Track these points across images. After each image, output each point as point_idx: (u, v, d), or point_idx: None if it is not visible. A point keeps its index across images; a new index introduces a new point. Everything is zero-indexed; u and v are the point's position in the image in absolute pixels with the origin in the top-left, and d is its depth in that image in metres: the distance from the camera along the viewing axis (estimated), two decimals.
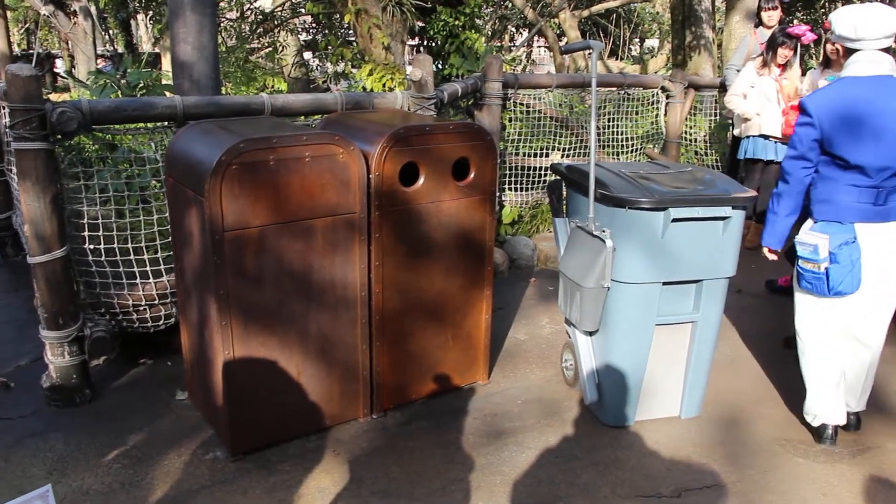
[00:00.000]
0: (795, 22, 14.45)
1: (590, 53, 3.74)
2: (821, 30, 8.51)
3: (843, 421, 3.64)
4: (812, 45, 14.32)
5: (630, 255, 3.44)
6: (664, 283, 3.50)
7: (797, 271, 3.54)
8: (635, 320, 3.55)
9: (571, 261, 3.70)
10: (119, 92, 5.31)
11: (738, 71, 6.68)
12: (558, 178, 4.12)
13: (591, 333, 3.77)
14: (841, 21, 3.33)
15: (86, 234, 3.89)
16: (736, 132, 6.72)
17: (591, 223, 3.56)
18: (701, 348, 3.71)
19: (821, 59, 6.11)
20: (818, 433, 3.69)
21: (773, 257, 3.74)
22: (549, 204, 4.40)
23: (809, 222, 3.51)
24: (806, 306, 3.60)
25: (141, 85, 5.48)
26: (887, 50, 3.32)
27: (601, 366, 3.71)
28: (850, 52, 3.35)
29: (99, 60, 16.89)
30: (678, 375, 3.78)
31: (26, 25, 22.90)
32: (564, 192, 4.10)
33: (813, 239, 3.40)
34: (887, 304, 3.51)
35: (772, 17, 6.81)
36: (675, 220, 3.35)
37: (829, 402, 3.62)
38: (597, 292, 3.53)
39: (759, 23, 7.04)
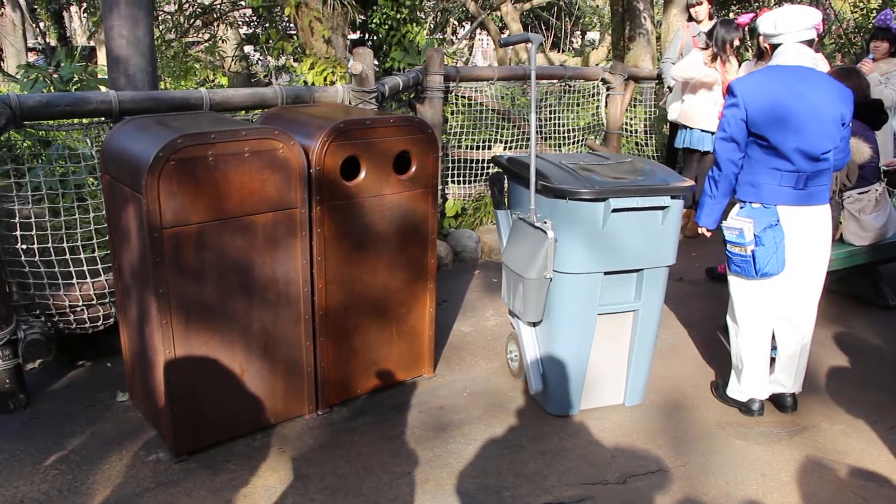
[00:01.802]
0: (731, 14, 14.74)
1: (530, 46, 3.76)
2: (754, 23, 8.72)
3: (766, 395, 3.85)
4: (747, 37, 14.65)
5: (571, 246, 3.47)
6: (606, 273, 3.55)
7: (727, 256, 3.70)
8: (578, 310, 3.59)
9: (514, 252, 3.72)
10: (51, 87, 5.16)
11: (674, 63, 6.78)
12: (500, 170, 4.14)
13: (534, 324, 3.80)
14: (763, 21, 3.63)
15: (18, 233, 3.78)
16: (671, 117, 6.81)
17: (533, 215, 3.58)
18: (643, 336, 3.77)
19: (754, 51, 6.24)
20: (747, 407, 3.86)
21: (709, 235, 3.92)
22: (491, 196, 4.43)
23: (736, 208, 3.66)
24: (738, 289, 3.77)
25: (75, 79, 5.34)
26: (810, 43, 3.57)
27: (545, 356, 3.75)
28: (775, 46, 3.63)
29: (30, 54, 16.40)
30: (621, 363, 3.84)
31: None
32: (506, 185, 4.12)
33: (738, 224, 3.57)
34: (814, 286, 3.69)
35: (699, 12, 6.94)
36: (615, 211, 3.40)
37: (758, 379, 3.80)
38: (539, 283, 3.56)
39: (690, 17, 7.17)
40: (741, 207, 3.63)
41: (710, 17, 6.95)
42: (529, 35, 3.75)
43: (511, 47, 15.89)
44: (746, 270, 3.60)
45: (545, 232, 3.47)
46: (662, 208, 3.52)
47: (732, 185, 3.67)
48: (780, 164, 3.49)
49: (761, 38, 3.72)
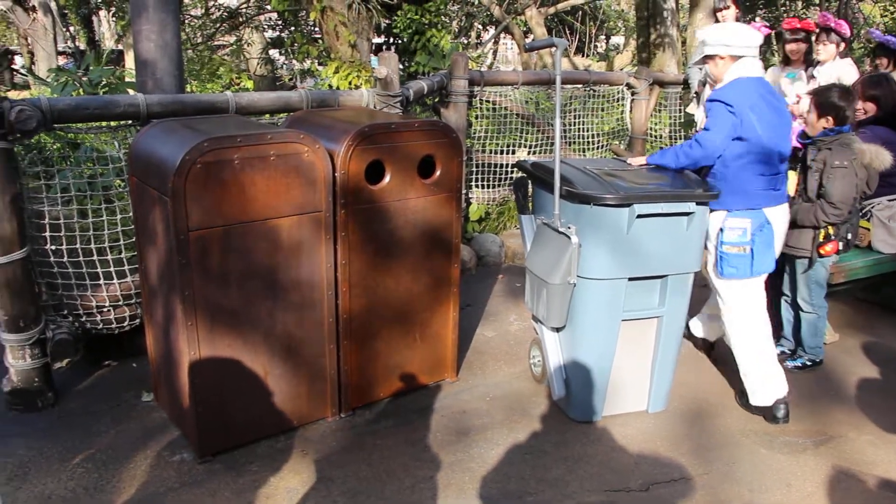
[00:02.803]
0: (757, 19, 14.65)
1: (555, 50, 3.75)
2: (780, 28, 8.64)
3: (787, 388, 3.83)
4: (774, 43, 14.53)
5: (596, 252, 3.46)
6: (630, 279, 3.53)
7: (718, 258, 3.74)
8: (602, 316, 3.58)
9: (538, 257, 3.72)
10: (81, 90, 5.23)
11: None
12: (524, 175, 4.13)
13: (558, 329, 3.79)
14: (729, 36, 3.78)
15: (47, 234, 3.83)
16: (698, 125, 6.77)
17: (557, 220, 3.57)
18: (667, 343, 3.75)
19: (780, 57, 6.19)
20: (772, 414, 3.82)
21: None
22: (515, 201, 4.44)
23: (723, 214, 3.71)
24: (733, 293, 3.81)
25: (103, 83, 5.40)
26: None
27: (568, 361, 3.74)
28: (737, 58, 3.77)
29: (60, 57, 16.61)
30: (645, 370, 3.82)
31: None
32: (530, 190, 4.11)
33: (741, 223, 3.67)
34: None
35: (726, 16, 6.88)
36: (639, 216, 3.38)
37: (776, 376, 3.81)
38: (563, 288, 3.55)
39: (717, 21, 7.11)
40: (731, 213, 3.70)
41: (737, 22, 6.89)
42: (554, 39, 3.75)
43: (535, 52, 15.87)
44: (742, 270, 3.67)
45: (569, 237, 3.46)
46: (687, 214, 3.50)
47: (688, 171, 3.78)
48: (764, 168, 3.69)
49: (723, 52, 3.78)
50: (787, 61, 5.80)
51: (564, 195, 3.54)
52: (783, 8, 15.07)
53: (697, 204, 3.49)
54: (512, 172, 6.80)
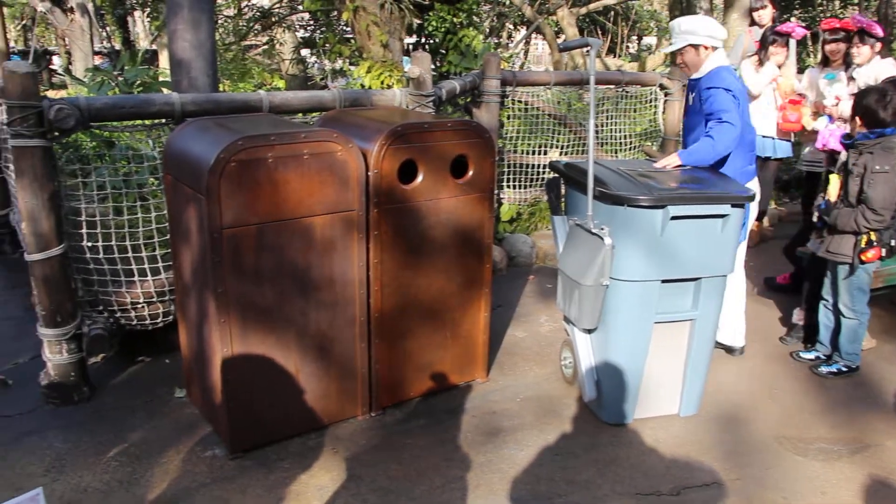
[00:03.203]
0: (792, 19, 14.45)
1: (588, 51, 3.73)
2: (818, 28, 8.51)
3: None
4: (809, 44, 14.33)
5: (629, 253, 3.43)
6: (663, 281, 3.50)
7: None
8: (634, 318, 3.55)
9: (570, 258, 3.70)
10: (116, 89, 5.30)
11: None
12: (557, 175, 4.11)
13: (589, 331, 3.76)
14: (714, 28, 4.10)
15: (84, 231, 3.88)
16: None
17: (590, 221, 3.55)
18: (700, 346, 3.72)
19: (819, 57, 6.09)
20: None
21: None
22: (547, 202, 4.45)
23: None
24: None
25: (138, 82, 5.46)
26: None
27: (600, 363, 3.71)
28: (715, 48, 4.10)
29: (96, 57, 16.83)
30: (677, 373, 3.78)
31: (23, 22, 22.82)
32: (563, 190, 4.09)
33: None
34: None
35: (762, 16, 6.79)
36: (673, 218, 3.35)
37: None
38: (596, 290, 3.52)
39: (753, 21, 7.03)
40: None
41: (773, 22, 6.80)
42: (589, 39, 3.73)
43: (567, 52, 15.79)
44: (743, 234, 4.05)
45: (602, 238, 3.44)
46: (722, 216, 3.46)
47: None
48: (749, 149, 4.21)
49: (700, 42, 4.06)
50: (826, 62, 5.71)
51: (598, 196, 3.52)
52: (820, 7, 14.85)
53: (732, 206, 3.45)
54: (543, 173, 6.77)
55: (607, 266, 3.47)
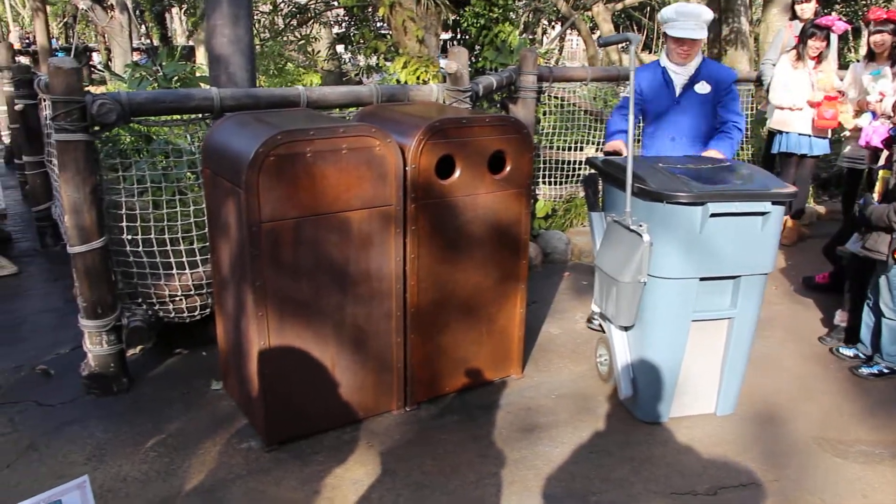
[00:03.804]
0: (833, 14, 14.22)
1: (627, 46, 3.70)
2: (860, 22, 8.37)
3: None
4: (851, 39, 14.08)
5: (667, 250, 3.40)
6: (701, 279, 3.46)
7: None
8: (672, 316, 3.52)
9: (607, 255, 3.67)
10: (155, 84, 5.36)
11: (774, 65, 6.57)
12: (594, 172, 4.09)
13: (626, 328, 3.73)
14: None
15: (123, 224, 3.93)
16: (768, 125, 6.62)
17: (628, 217, 3.52)
18: (738, 345, 3.67)
19: (864, 52, 5.97)
20: None
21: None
22: (584, 198, 4.47)
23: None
24: None
25: (176, 78, 5.53)
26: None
27: (636, 361, 3.68)
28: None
29: (134, 53, 17.06)
30: (714, 372, 3.74)
31: (65, 19, 23.22)
32: (601, 187, 4.06)
33: None
34: None
35: (805, 9, 6.68)
36: (713, 216, 3.31)
37: None
38: (633, 287, 3.49)
39: (794, 16, 6.92)
40: None
41: (815, 16, 6.70)
42: (629, 35, 3.70)
43: (603, 48, 15.67)
44: None
45: (640, 235, 3.41)
46: (762, 214, 3.41)
47: None
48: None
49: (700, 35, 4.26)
50: (871, 57, 5.59)
51: (636, 192, 3.48)
52: (863, 2, 14.58)
53: (773, 203, 3.40)
54: (579, 170, 6.74)
55: (645, 263, 3.44)
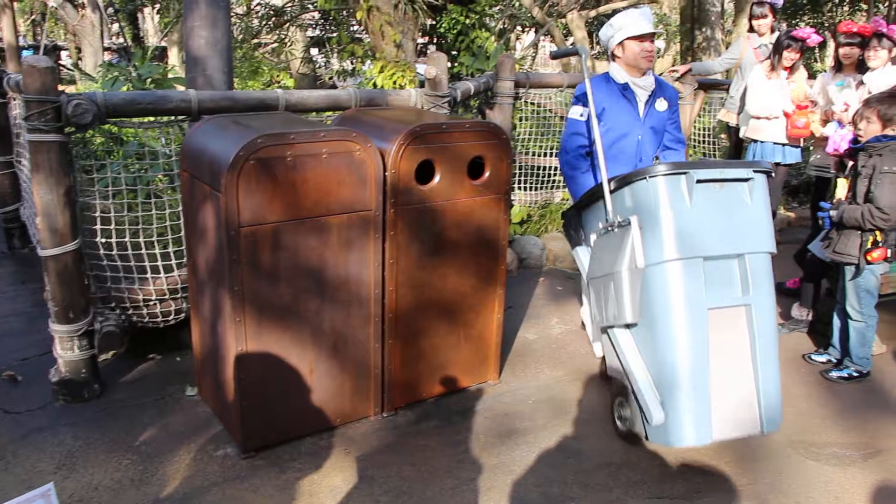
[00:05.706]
0: (801, 25, 14.42)
1: (579, 59, 3.71)
2: (827, 33, 8.50)
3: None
4: (816, 49, 14.30)
5: (661, 231, 3.19)
6: (705, 259, 3.23)
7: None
8: (685, 304, 3.20)
9: (599, 263, 3.50)
10: (129, 85, 5.30)
11: (730, 59, 6.78)
12: (571, 212, 3.98)
13: (637, 340, 3.41)
14: None
15: (97, 227, 3.88)
16: (742, 134, 6.68)
17: (613, 215, 3.39)
18: (763, 338, 3.33)
19: (831, 63, 6.06)
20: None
21: None
22: (566, 239, 4.23)
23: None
24: None
25: (150, 79, 5.47)
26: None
27: (657, 373, 3.31)
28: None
29: (105, 53, 16.86)
30: (747, 381, 3.35)
31: (32, 17, 22.88)
32: (581, 220, 3.90)
33: None
34: None
35: (761, 25, 6.83)
36: (699, 182, 3.18)
37: None
38: (631, 274, 3.28)
39: (751, 29, 7.07)
40: None
41: (772, 31, 6.83)
42: (578, 48, 3.75)
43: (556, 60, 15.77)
44: None
45: (628, 223, 3.25)
46: (746, 180, 3.29)
47: None
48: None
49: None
50: (839, 67, 5.68)
51: (615, 188, 3.39)
52: (829, 14, 14.81)
53: (755, 172, 3.31)
54: (554, 175, 6.78)
55: (639, 247, 3.23)
